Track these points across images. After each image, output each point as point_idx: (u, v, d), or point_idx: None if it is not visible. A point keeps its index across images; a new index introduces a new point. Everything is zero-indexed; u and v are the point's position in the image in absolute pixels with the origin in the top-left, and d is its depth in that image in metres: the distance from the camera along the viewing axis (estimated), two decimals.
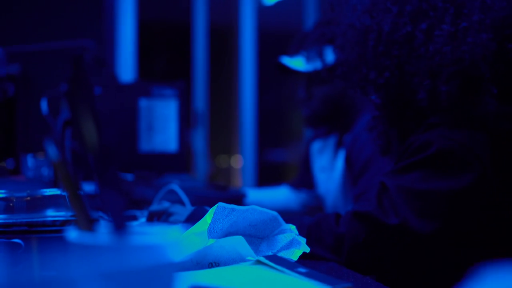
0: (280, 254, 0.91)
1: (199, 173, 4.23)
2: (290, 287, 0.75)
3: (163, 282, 0.49)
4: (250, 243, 0.92)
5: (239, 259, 0.87)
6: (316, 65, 1.77)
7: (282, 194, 2.08)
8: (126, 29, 3.67)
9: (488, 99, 1.05)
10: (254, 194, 1.99)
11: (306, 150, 2.09)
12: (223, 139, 4.92)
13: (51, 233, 0.83)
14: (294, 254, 0.91)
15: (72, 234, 0.50)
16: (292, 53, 1.85)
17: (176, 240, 0.50)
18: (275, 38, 4.65)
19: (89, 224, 0.55)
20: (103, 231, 0.55)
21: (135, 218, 1.36)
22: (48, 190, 0.88)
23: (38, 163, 1.63)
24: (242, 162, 4.46)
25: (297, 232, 0.94)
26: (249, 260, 0.85)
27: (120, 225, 0.54)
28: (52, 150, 0.56)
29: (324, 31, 1.76)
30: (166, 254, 0.49)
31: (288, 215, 1.05)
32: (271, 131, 5.15)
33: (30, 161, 1.63)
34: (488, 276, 0.42)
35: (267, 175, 4.74)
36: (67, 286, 0.46)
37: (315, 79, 1.81)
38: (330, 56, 1.73)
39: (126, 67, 3.65)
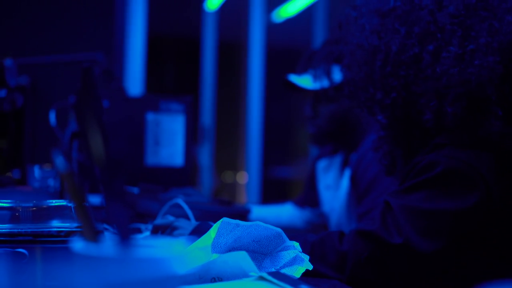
0: (283, 270, 0.91)
1: (204, 188, 4.23)
2: None
3: None
4: (253, 259, 0.92)
5: (242, 275, 0.87)
6: (324, 83, 1.78)
7: (287, 212, 2.07)
8: (136, 43, 3.69)
9: (493, 121, 1.05)
10: (258, 210, 1.99)
11: (312, 168, 2.09)
12: (229, 155, 4.92)
13: (56, 244, 0.84)
14: (297, 271, 0.91)
15: (77, 245, 0.50)
16: (300, 71, 1.85)
17: (180, 254, 0.50)
18: (283, 55, 4.68)
19: (94, 236, 0.56)
20: (108, 243, 0.55)
21: (139, 231, 1.36)
22: (54, 201, 0.88)
23: (45, 174, 1.64)
24: (247, 178, 4.46)
25: (300, 249, 0.94)
26: (252, 276, 0.85)
27: (125, 237, 0.55)
28: (59, 161, 0.56)
29: (332, 49, 1.76)
30: (170, 267, 0.50)
31: (292, 232, 1.05)
32: (277, 148, 5.16)
33: (36, 171, 1.64)
34: None
35: (272, 192, 4.73)
36: None
37: (322, 97, 1.81)
38: (337, 75, 1.73)
39: (135, 81, 3.67)
